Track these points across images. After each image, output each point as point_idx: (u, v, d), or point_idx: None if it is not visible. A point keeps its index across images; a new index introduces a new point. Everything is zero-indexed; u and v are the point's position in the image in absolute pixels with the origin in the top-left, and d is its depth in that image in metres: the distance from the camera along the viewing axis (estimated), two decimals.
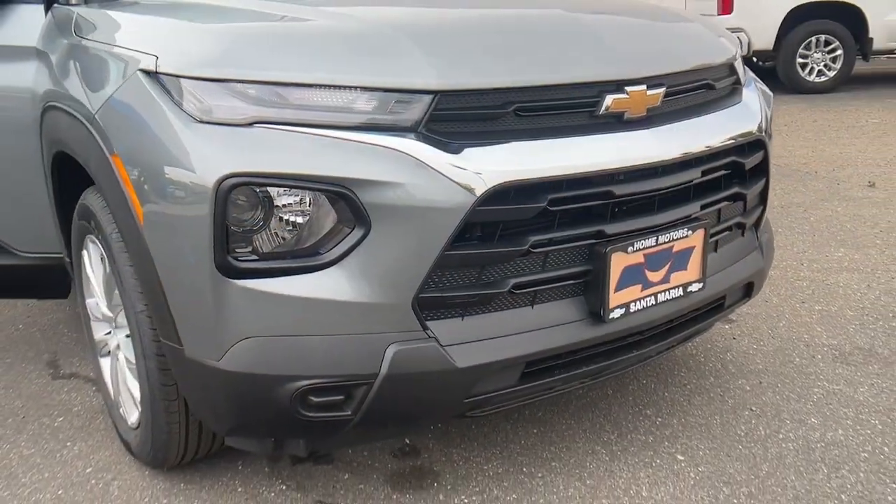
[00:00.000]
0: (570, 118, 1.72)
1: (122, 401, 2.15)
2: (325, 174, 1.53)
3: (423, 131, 1.58)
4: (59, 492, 2.08)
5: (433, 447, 2.21)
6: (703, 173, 1.88)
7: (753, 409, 2.37)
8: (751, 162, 2.03)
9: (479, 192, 1.55)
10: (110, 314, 2.16)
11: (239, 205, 1.54)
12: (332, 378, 1.61)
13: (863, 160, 5.69)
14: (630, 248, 1.75)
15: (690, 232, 1.86)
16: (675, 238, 1.83)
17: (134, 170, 1.65)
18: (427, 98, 1.58)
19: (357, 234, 1.55)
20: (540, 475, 2.07)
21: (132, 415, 2.12)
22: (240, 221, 1.55)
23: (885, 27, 8.58)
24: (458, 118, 1.62)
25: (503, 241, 1.64)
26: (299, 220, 1.56)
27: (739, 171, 2.01)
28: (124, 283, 1.84)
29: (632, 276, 1.78)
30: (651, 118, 1.81)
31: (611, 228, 1.73)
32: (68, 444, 2.32)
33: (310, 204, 1.56)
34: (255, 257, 1.58)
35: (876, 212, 4.41)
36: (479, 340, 1.66)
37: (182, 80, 1.62)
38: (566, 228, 1.69)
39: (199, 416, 1.83)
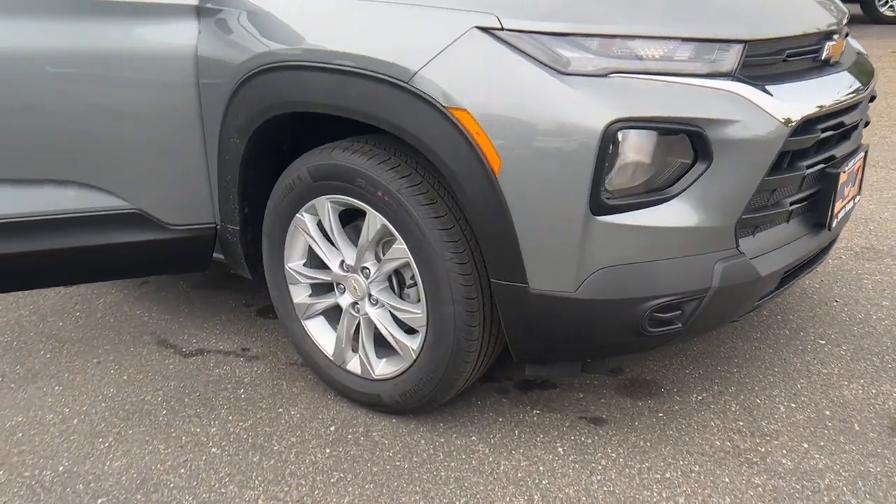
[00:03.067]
0: (806, 62, 2.06)
1: (365, 356, 2.20)
2: (685, 115, 1.74)
3: (736, 75, 1.84)
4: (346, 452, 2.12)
5: (627, 364, 2.49)
6: (869, 103, 2.31)
7: (838, 300, 2.90)
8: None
9: (791, 124, 1.85)
10: (342, 272, 2.18)
11: (614, 147, 1.72)
12: (675, 296, 1.85)
13: None
14: (846, 168, 2.14)
15: (862, 154, 2.29)
16: (857, 159, 2.25)
17: (491, 121, 1.74)
18: (739, 47, 1.84)
19: (701, 167, 1.79)
20: (734, 370, 2.44)
21: (380, 366, 2.19)
22: (612, 162, 1.73)
23: None
24: (755, 63, 1.89)
25: (790, 167, 1.95)
26: (657, 157, 1.77)
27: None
28: (427, 235, 1.92)
29: (841, 191, 2.17)
30: (839, 62, 2.20)
31: (838, 152, 2.11)
32: (279, 410, 2.31)
33: (667, 143, 1.77)
34: (616, 194, 1.76)
35: None
36: (765, 253, 1.98)
37: (531, 35, 1.75)
38: (821, 153, 2.04)
39: (525, 348, 1.97)
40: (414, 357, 2.09)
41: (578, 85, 1.72)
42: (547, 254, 1.81)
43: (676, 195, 1.80)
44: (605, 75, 1.74)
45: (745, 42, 1.85)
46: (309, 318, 2.34)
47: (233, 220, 2.38)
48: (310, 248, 2.28)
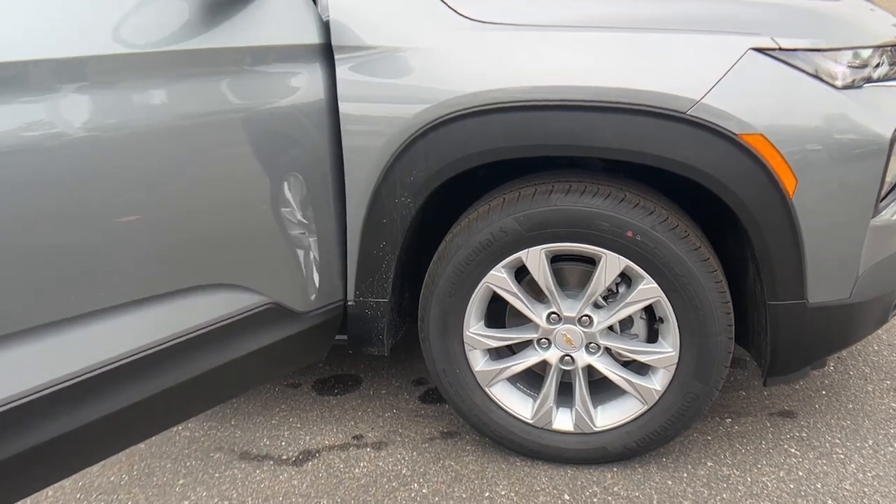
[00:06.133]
0: None
1: (584, 409, 2.03)
2: None
3: None
4: None
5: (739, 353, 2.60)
6: None
7: None
8: None
9: None
10: (549, 326, 1.98)
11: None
12: None
13: None
14: None
15: None
16: None
17: (786, 143, 1.70)
18: None
19: None
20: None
21: (598, 416, 2.05)
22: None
23: None
24: None
25: None
26: None
27: None
28: (692, 269, 1.82)
29: None
30: None
31: None
32: (486, 494, 2.04)
33: None
34: (883, 196, 1.84)
35: None
36: None
37: (805, 53, 1.73)
38: None
39: (787, 361, 1.95)
40: (657, 398, 1.98)
41: (856, 97, 1.75)
42: (829, 266, 1.83)
43: None
44: (861, 86, 1.79)
45: None
46: (493, 384, 2.08)
47: (379, 292, 2.02)
48: (489, 307, 2.03)
